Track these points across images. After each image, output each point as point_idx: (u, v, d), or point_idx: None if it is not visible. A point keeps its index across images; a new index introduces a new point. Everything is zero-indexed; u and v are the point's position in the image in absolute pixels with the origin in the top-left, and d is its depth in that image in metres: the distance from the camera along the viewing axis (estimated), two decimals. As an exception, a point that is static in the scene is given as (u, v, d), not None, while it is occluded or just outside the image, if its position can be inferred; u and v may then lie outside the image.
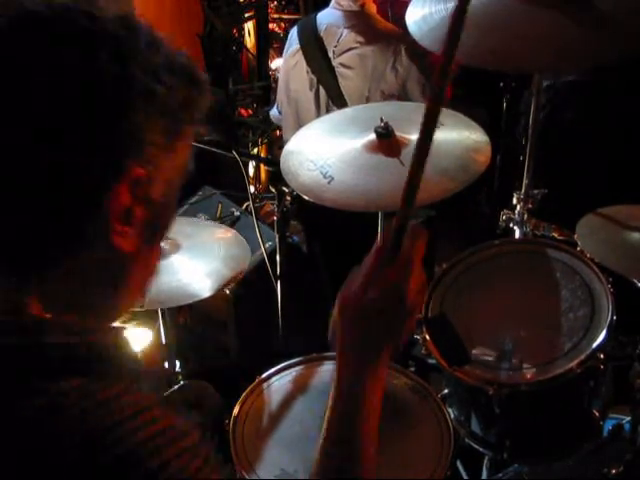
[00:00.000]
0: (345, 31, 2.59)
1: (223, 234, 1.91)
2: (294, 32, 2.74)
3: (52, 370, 0.67)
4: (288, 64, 2.76)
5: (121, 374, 0.74)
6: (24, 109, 0.65)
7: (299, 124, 2.71)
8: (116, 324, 0.79)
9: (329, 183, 1.66)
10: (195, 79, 0.75)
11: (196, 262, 1.76)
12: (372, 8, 2.64)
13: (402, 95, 2.53)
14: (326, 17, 2.66)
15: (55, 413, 0.65)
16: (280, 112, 2.89)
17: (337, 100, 2.58)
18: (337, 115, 2.09)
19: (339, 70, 2.58)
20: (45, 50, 0.65)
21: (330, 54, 2.59)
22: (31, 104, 0.65)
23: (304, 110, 2.70)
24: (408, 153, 1.69)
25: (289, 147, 1.83)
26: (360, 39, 2.55)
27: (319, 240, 2.87)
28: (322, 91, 2.62)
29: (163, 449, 0.66)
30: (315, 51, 2.62)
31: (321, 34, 2.62)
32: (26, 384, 0.66)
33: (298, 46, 2.67)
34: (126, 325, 0.80)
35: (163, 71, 0.70)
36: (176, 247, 1.78)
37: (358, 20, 2.59)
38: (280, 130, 4.29)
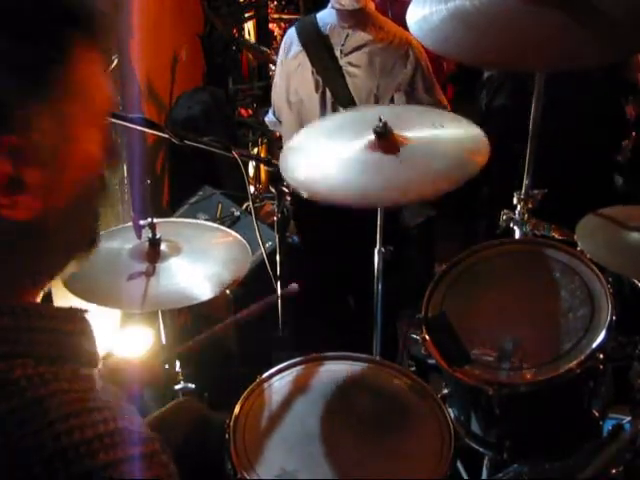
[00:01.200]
0: (351, 30, 2.58)
1: (224, 237, 1.91)
2: (292, 34, 2.70)
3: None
4: (289, 67, 2.71)
5: (77, 361, 0.71)
6: None
7: (302, 128, 2.69)
8: (77, 306, 0.75)
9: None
10: (67, 17, 0.65)
11: (196, 265, 1.76)
12: (370, 5, 2.63)
13: (409, 92, 2.54)
14: (327, 17, 2.63)
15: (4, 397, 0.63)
16: (277, 117, 2.84)
17: (344, 100, 2.57)
18: (338, 117, 2.10)
19: (347, 69, 2.56)
20: None
21: (337, 53, 2.57)
22: None
23: (308, 113, 2.67)
24: (407, 150, 1.70)
25: (290, 144, 1.85)
26: (368, 37, 2.55)
27: (316, 240, 2.87)
28: (328, 92, 2.59)
29: (103, 451, 0.64)
30: (320, 51, 2.60)
31: (326, 33, 2.60)
32: None
33: (300, 47, 2.64)
34: (87, 309, 0.76)
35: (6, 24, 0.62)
36: (176, 250, 1.78)
37: (361, 18, 2.58)
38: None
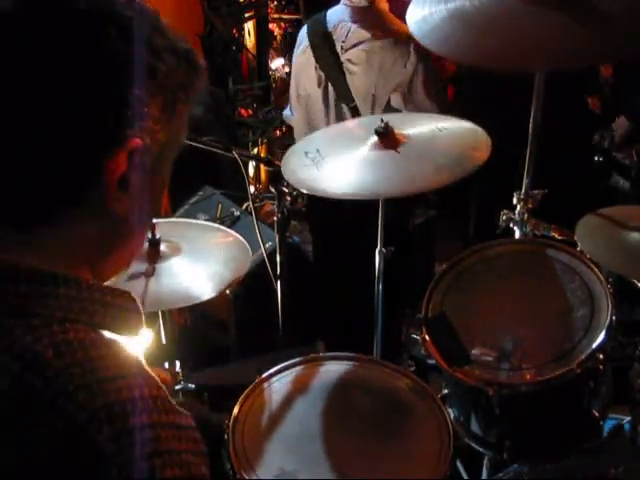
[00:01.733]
0: (353, 26, 2.57)
1: (224, 237, 1.91)
2: (304, 30, 2.72)
3: (54, 318, 0.71)
4: (297, 63, 2.74)
5: (127, 332, 0.78)
6: (38, 72, 0.70)
7: (308, 123, 2.70)
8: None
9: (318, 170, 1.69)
10: (194, 63, 0.82)
11: (197, 265, 1.76)
12: (383, 4, 2.60)
13: (407, 94, 2.52)
14: (336, 14, 2.64)
15: (57, 357, 0.68)
16: (292, 112, 2.85)
17: (344, 97, 2.57)
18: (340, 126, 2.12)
19: (346, 66, 2.56)
20: (56, 23, 0.71)
21: (338, 50, 2.57)
22: (42, 69, 0.70)
23: (313, 108, 2.68)
24: (407, 145, 1.71)
25: (294, 149, 1.85)
26: (368, 35, 2.53)
27: (324, 241, 2.86)
28: (330, 88, 2.60)
29: (147, 413, 0.69)
30: (324, 47, 2.60)
31: (330, 30, 2.60)
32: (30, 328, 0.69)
33: (307, 43, 2.65)
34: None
35: (165, 52, 0.78)
36: (177, 250, 1.78)
37: (366, 16, 2.56)
38: (280, 130, 4.31)
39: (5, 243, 0.73)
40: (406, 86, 2.51)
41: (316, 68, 2.62)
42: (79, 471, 0.66)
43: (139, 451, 0.67)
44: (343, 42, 2.57)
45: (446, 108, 2.60)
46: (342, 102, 2.58)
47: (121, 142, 0.73)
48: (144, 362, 0.77)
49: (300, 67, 2.72)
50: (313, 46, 2.63)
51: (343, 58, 2.57)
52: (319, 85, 2.63)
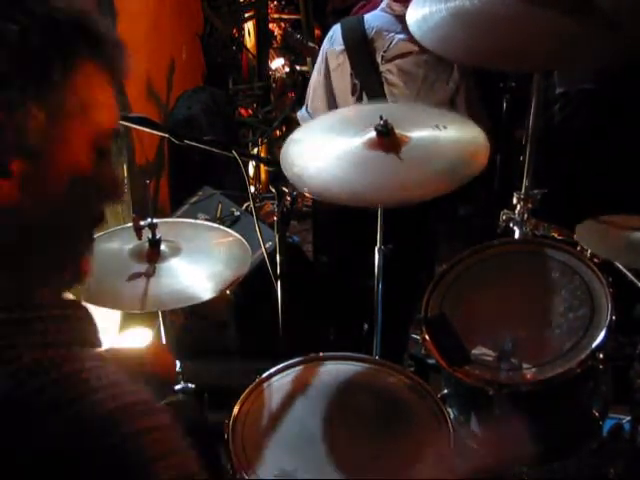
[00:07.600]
0: (397, 37, 2.45)
1: (224, 237, 1.91)
2: (337, 32, 2.58)
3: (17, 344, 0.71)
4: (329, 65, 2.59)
5: (85, 343, 0.78)
6: None
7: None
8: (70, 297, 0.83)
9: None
10: (82, 35, 0.74)
11: (196, 265, 1.76)
12: None
13: (449, 108, 2.38)
14: (375, 20, 2.52)
15: (23, 383, 0.68)
16: (310, 115, 2.69)
17: None
18: (342, 112, 2.09)
19: (386, 76, 2.46)
20: None
21: (378, 59, 2.47)
22: None
23: None
24: (408, 150, 1.70)
25: (293, 137, 1.84)
26: (414, 47, 2.39)
27: (327, 241, 2.85)
28: (365, 97, 2.48)
29: (133, 420, 0.70)
30: (361, 54, 2.49)
31: (370, 37, 2.49)
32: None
33: (343, 47, 2.52)
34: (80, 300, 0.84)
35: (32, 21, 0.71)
36: (177, 250, 1.78)
37: None
38: (280, 130, 4.31)
39: None
40: (449, 102, 2.42)
41: (352, 75, 2.51)
42: None
43: (134, 460, 0.68)
44: (385, 52, 2.46)
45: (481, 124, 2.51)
46: None
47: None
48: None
49: (331, 71, 2.58)
50: (350, 52, 2.50)
51: (383, 68, 2.46)
52: (353, 93, 2.51)
